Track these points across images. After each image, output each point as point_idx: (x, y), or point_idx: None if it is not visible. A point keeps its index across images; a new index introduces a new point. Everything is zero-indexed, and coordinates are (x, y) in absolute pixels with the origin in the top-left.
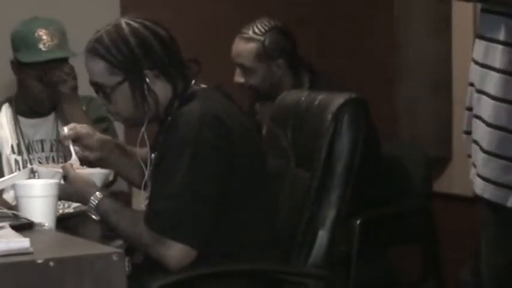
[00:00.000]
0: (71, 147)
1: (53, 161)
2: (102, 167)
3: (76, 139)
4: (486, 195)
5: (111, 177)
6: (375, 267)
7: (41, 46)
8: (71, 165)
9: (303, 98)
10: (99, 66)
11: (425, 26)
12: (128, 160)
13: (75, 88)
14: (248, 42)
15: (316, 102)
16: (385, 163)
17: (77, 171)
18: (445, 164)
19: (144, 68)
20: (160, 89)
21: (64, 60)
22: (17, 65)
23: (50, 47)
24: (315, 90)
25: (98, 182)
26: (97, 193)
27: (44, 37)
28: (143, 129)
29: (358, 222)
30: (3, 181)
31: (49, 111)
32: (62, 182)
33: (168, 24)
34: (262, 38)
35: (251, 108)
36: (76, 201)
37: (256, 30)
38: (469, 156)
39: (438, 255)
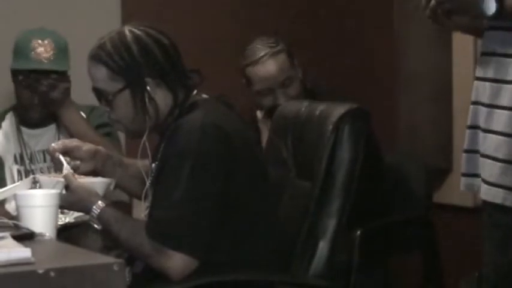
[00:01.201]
0: (61, 158)
1: (55, 171)
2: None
3: (65, 152)
4: (508, 203)
5: (112, 186)
6: (375, 277)
7: (32, 55)
8: (73, 174)
9: (303, 109)
10: (101, 72)
11: (425, 36)
12: (125, 170)
13: (67, 91)
14: (277, 56)
15: (317, 113)
16: (386, 174)
17: (79, 180)
18: (445, 174)
19: (146, 75)
20: (161, 97)
21: (56, 73)
22: (12, 73)
23: (41, 58)
24: (315, 101)
25: (100, 191)
26: (99, 202)
27: (38, 48)
28: (144, 138)
29: (358, 232)
30: (5, 191)
31: (48, 121)
32: (64, 191)
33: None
34: (280, 47)
35: (251, 117)
36: (78, 211)
37: (271, 44)
38: (465, 175)
39: (438, 265)
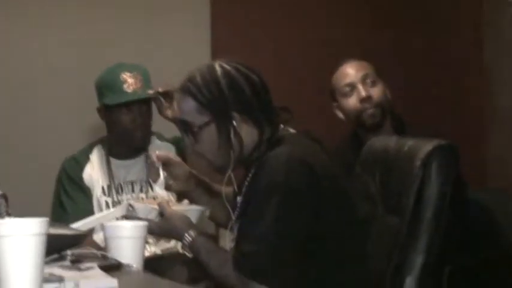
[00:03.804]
0: (161, 170)
1: (143, 200)
2: (184, 199)
3: (166, 163)
4: None
5: (207, 214)
6: None
7: (125, 88)
8: (167, 202)
9: (391, 144)
10: (189, 104)
11: None
12: (212, 198)
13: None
14: (358, 61)
15: (405, 148)
16: (474, 211)
17: (173, 207)
18: None
19: (233, 110)
20: (247, 133)
21: (147, 101)
22: (104, 111)
23: (135, 89)
24: (403, 137)
25: (193, 219)
26: (191, 231)
27: (129, 80)
28: (229, 171)
29: (447, 270)
30: (102, 217)
31: (137, 153)
32: (158, 219)
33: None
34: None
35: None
36: (171, 238)
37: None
38: None
39: None
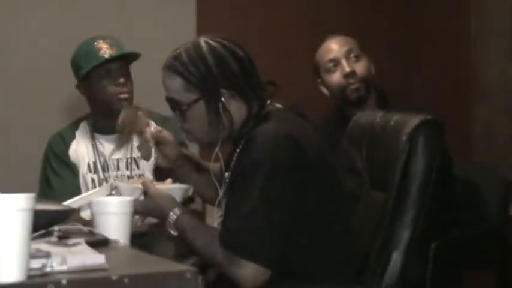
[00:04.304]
0: (153, 150)
1: (128, 179)
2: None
3: (159, 142)
4: None
5: (190, 192)
6: None
7: (102, 54)
8: (151, 181)
9: (377, 119)
10: (176, 83)
11: (504, 48)
12: (200, 175)
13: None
14: (341, 36)
15: (391, 123)
16: (461, 186)
17: (157, 186)
18: None
19: (221, 86)
20: (236, 108)
21: (126, 64)
22: (83, 85)
23: (111, 53)
24: (389, 111)
25: (177, 197)
26: (176, 209)
27: (103, 46)
28: (217, 148)
29: (433, 245)
30: (85, 196)
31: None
32: (142, 197)
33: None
34: (348, 37)
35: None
36: (156, 217)
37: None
38: None
39: None
